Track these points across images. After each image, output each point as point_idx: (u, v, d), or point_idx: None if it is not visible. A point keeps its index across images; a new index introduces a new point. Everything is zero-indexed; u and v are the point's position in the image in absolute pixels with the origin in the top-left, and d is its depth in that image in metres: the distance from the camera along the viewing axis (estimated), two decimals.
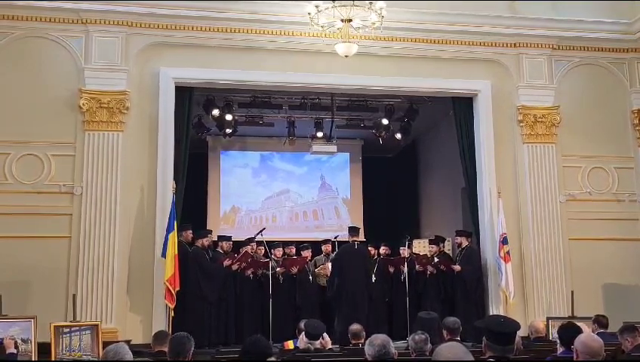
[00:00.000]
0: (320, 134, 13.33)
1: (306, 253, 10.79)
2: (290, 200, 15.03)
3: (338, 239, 11.29)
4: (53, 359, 7.27)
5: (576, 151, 10.06)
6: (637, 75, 10.36)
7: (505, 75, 10.11)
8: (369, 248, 11.00)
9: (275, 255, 10.48)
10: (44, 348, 7.35)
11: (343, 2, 7.73)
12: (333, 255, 10.60)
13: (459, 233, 10.37)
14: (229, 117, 12.55)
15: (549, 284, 9.56)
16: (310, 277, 10.48)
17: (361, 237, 13.34)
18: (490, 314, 9.28)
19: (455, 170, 11.49)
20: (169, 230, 8.56)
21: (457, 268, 9.87)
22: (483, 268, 9.83)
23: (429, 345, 5.21)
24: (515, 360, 5.03)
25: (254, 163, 15.06)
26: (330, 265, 10.46)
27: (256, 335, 4.64)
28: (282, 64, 9.54)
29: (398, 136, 13.57)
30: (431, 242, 10.88)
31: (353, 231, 10.28)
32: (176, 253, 8.55)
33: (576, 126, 10.09)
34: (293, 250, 10.95)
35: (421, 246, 12.44)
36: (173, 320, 8.51)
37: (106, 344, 5.71)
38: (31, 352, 7.28)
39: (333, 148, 13.55)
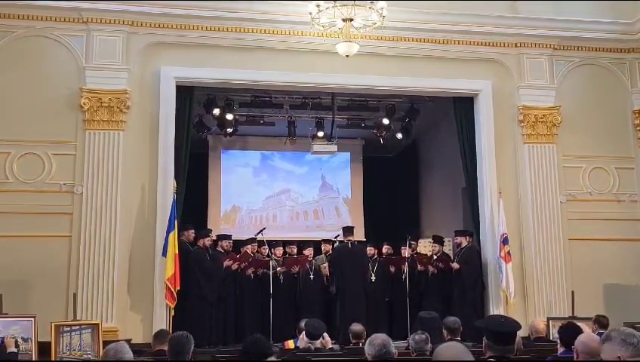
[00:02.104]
0: (321, 134, 13.33)
1: (307, 252, 10.80)
2: (290, 199, 15.03)
3: (338, 238, 11.31)
4: (53, 358, 7.28)
5: (577, 152, 10.05)
6: (638, 75, 10.35)
7: (506, 74, 10.11)
8: (369, 248, 11.03)
9: (275, 254, 10.49)
10: (44, 347, 7.36)
11: (344, 2, 7.73)
12: (330, 255, 10.68)
13: (458, 233, 10.37)
14: (229, 116, 12.56)
15: (549, 284, 9.56)
16: (311, 276, 10.49)
17: (361, 237, 13.45)
18: (491, 314, 9.28)
19: (456, 170, 11.49)
20: (169, 229, 8.56)
21: (455, 265, 9.87)
22: (483, 268, 9.83)
23: (430, 345, 5.22)
24: (516, 360, 5.03)
25: (255, 162, 15.06)
26: (328, 265, 10.49)
27: (256, 334, 4.64)
28: (283, 63, 9.54)
29: (399, 135, 13.58)
30: (434, 241, 10.83)
31: (347, 230, 10.37)
32: (177, 252, 8.56)
33: (576, 126, 10.09)
34: (295, 250, 10.97)
35: (422, 246, 12.44)
36: (174, 319, 8.52)
37: (106, 343, 5.71)
38: (31, 351, 7.29)
39: (333, 147, 13.55)
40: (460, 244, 10.18)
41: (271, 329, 9.30)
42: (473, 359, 3.34)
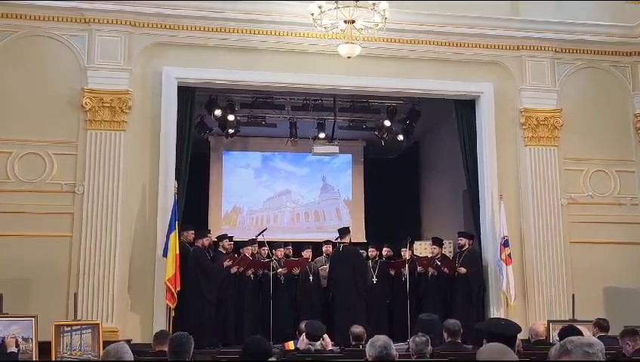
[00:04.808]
0: (322, 135, 13.33)
1: (306, 254, 10.80)
2: (291, 200, 15.02)
3: (338, 240, 11.28)
4: (53, 358, 7.28)
5: (578, 154, 10.06)
6: (639, 78, 10.35)
7: (507, 77, 10.11)
8: (370, 249, 11.02)
9: (276, 255, 10.49)
10: (44, 347, 7.37)
11: (347, 3, 7.73)
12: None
13: (461, 234, 10.35)
14: (231, 117, 12.55)
15: (549, 287, 9.56)
16: (310, 278, 10.49)
17: (362, 239, 13.47)
18: (491, 316, 9.29)
19: (457, 172, 11.48)
20: (170, 230, 8.57)
21: (463, 270, 9.81)
22: (484, 271, 9.83)
23: (430, 347, 5.21)
24: None
25: (256, 163, 15.05)
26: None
27: (256, 335, 4.64)
28: (285, 65, 9.55)
29: (400, 137, 13.56)
30: (434, 243, 10.75)
31: (341, 232, 10.31)
32: (177, 252, 8.56)
33: (578, 129, 10.09)
34: (291, 251, 10.98)
35: (422, 248, 12.42)
36: (174, 319, 8.52)
37: (106, 343, 5.72)
38: (32, 351, 7.29)
39: (335, 149, 13.55)
40: (462, 246, 10.17)
41: (271, 330, 9.30)
42: (517, 359, 3.30)
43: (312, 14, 7.88)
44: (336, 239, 11.36)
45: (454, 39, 9.88)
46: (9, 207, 8.43)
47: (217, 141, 14.50)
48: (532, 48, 10.09)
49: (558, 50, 10.16)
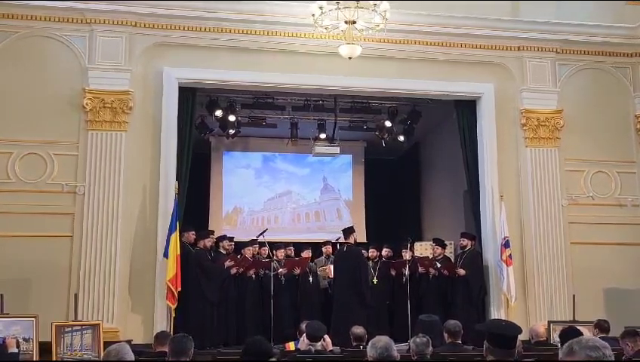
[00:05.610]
0: (323, 136, 13.33)
1: (306, 254, 10.79)
2: (292, 201, 15.02)
3: (339, 241, 11.29)
4: (54, 358, 7.28)
5: (579, 155, 10.06)
6: None
7: (508, 78, 10.11)
8: (371, 249, 11.01)
9: (277, 256, 10.49)
10: (45, 347, 7.37)
11: (347, 3, 7.73)
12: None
13: (464, 235, 10.34)
14: (232, 118, 12.55)
15: (550, 288, 9.56)
16: (310, 278, 10.49)
17: (362, 239, 13.45)
18: (492, 317, 9.30)
19: (457, 173, 11.49)
20: (171, 230, 8.57)
21: (462, 272, 9.82)
22: (485, 272, 9.83)
23: (430, 348, 5.21)
24: None
25: (257, 164, 15.05)
26: (332, 267, 10.48)
27: (257, 336, 4.65)
28: (286, 65, 9.55)
29: (401, 138, 13.56)
30: (436, 243, 10.71)
31: (343, 233, 10.28)
32: (179, 253, 8.56)
33: (579, 130, 10.08)
34: (292, 251, 10.98)
35: (423, 249, 12.42)
36: (175, 320, 8.52)
37: (106, 344, 5.73)
38: (32, 351, 7.29)
39: (335, 149, 13.54)
40: (464, 247, 10.17)
41: (272, 331, 9.30)
42: None
43: (313, 15, 7.88)
44: (337, 239, 11.37)
45: (455, 40, 9.88)
46: (9, 207, 8.44)
47: (218, 141, 14.50)
48: (533, 49, 10.09)
49: (559, 50, 10.16)
